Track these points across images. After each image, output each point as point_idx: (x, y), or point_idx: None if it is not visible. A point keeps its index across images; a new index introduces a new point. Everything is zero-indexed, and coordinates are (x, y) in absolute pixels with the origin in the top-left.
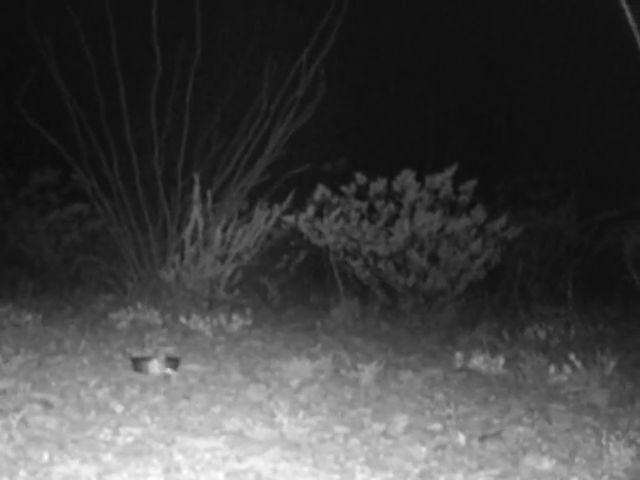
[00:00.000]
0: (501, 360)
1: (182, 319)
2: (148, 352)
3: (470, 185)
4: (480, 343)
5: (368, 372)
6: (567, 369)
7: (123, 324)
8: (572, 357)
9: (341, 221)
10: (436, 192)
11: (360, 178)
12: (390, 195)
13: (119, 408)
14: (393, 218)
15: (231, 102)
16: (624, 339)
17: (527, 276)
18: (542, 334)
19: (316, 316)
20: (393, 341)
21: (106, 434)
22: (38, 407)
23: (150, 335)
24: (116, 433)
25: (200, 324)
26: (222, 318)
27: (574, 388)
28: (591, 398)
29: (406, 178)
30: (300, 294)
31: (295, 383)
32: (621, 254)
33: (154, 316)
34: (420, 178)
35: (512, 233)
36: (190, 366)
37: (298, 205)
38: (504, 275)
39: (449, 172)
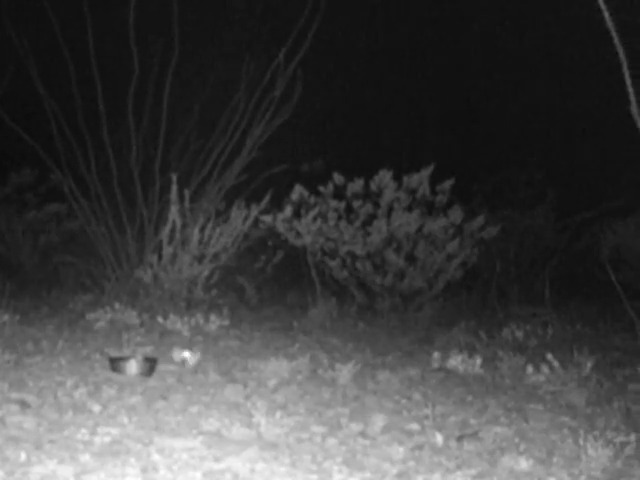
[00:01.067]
0: (478, 360)
1: (160, 319)
2: (126, 352)
3: (447, 185)
4: (458, 343)
5: (346, 372)
6: (545, 369)
7: (101, 324)
8: (550, 357)
9: (319, 221)
10: (413, 192)
11: (338, 178)
12: (367, 195)
13: (96, 408)
14: (371, 218)
15: (208, 102)
16: (602, 339)
17: (505, 276)
18: (520, 334)
19: (293, 316)
20: (371, 341)
21: (83, 434)
22: (15, 407)
23: (128, 335)
24: (93, 433)
25: (178, 324)
26: (200, 318)
27: (552, 388)
28: (569, 398)
29: (383, 178)
30: (278, 294)
31: (273, 383)
32: (599, 254)
33: (132, 316)
34: (397, 178)
35: (489, 233)
36: (168, 366)
37: (275, 205)
38: (481, 275)
39: (426, 172)
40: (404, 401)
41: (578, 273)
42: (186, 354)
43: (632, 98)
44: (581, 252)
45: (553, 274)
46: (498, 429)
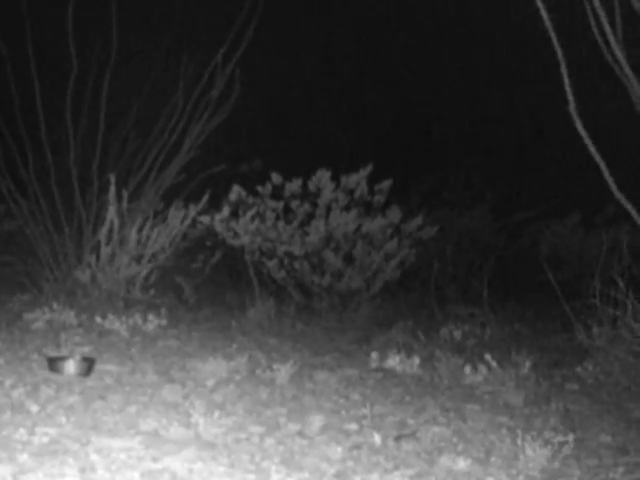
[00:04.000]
0: (417, 360)
1: (98, 319)
2: (64, 352)
3: (385, 185)
4: (396, 343)
5: (284, 372)
6: (483, 369)
7: (39, 324)
8: (488, 357)
9: (257, 221)
10: (351, 192)
11: (276, 178)
12: (306, 195)
13: (35, 408)
14: (309, 218)
15: (146, 102)
16: (540, 339)
17: (442, 276)
18: (458, 334)
19: (232, 316)
20: (309, 341)
21: (21, 434)
22: None
23: (66, 335)
24: (32, 433)
25: (116, 324)
26: (138, 318)
27: (490, 388)
28: (507, 398)
29: (321, 178)
30: (216, 294)
31: (211, 383)
32: (537, 254)
33: (70, 316)
34: (335, 178)
35: (427, 233)
36: (106, 366)
37: (214, 205)
38: (419, 275)
39: (364, 172)
40: (342, 401)
41: (516, 273)
42: None
43: (571, 98)
44: (519, 252)
45: (491, 274)
46: (436, 429)
